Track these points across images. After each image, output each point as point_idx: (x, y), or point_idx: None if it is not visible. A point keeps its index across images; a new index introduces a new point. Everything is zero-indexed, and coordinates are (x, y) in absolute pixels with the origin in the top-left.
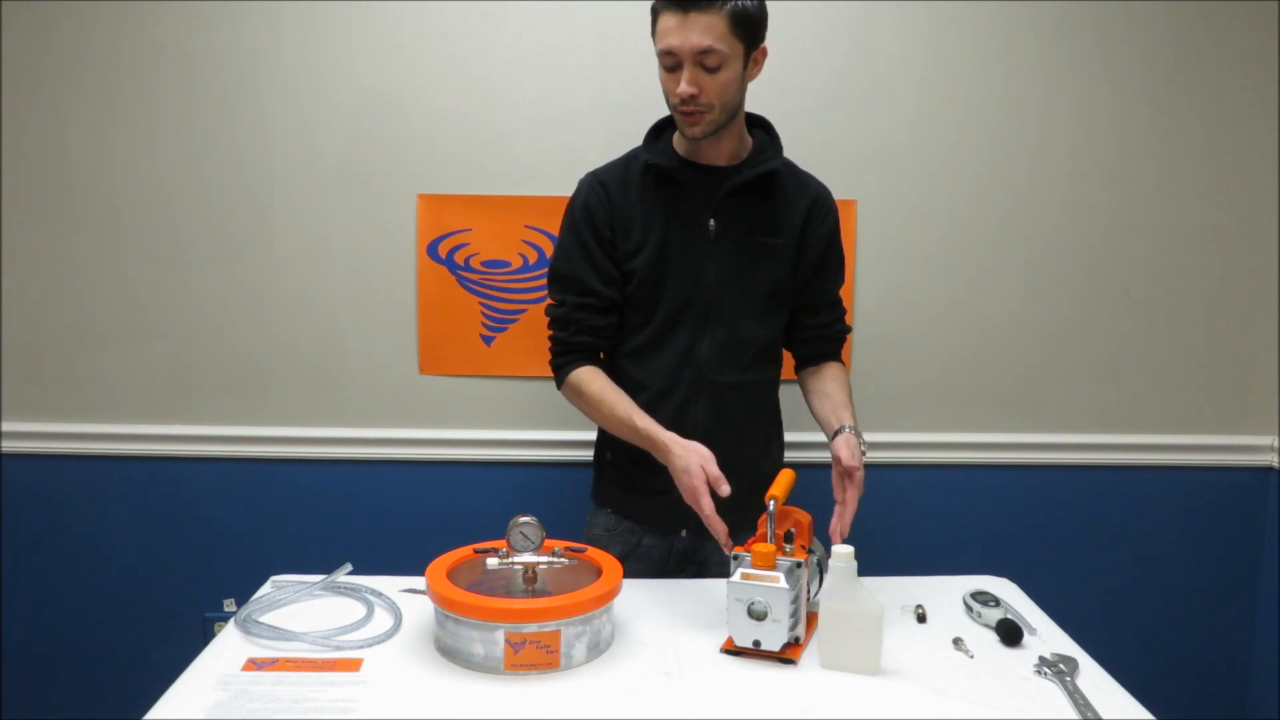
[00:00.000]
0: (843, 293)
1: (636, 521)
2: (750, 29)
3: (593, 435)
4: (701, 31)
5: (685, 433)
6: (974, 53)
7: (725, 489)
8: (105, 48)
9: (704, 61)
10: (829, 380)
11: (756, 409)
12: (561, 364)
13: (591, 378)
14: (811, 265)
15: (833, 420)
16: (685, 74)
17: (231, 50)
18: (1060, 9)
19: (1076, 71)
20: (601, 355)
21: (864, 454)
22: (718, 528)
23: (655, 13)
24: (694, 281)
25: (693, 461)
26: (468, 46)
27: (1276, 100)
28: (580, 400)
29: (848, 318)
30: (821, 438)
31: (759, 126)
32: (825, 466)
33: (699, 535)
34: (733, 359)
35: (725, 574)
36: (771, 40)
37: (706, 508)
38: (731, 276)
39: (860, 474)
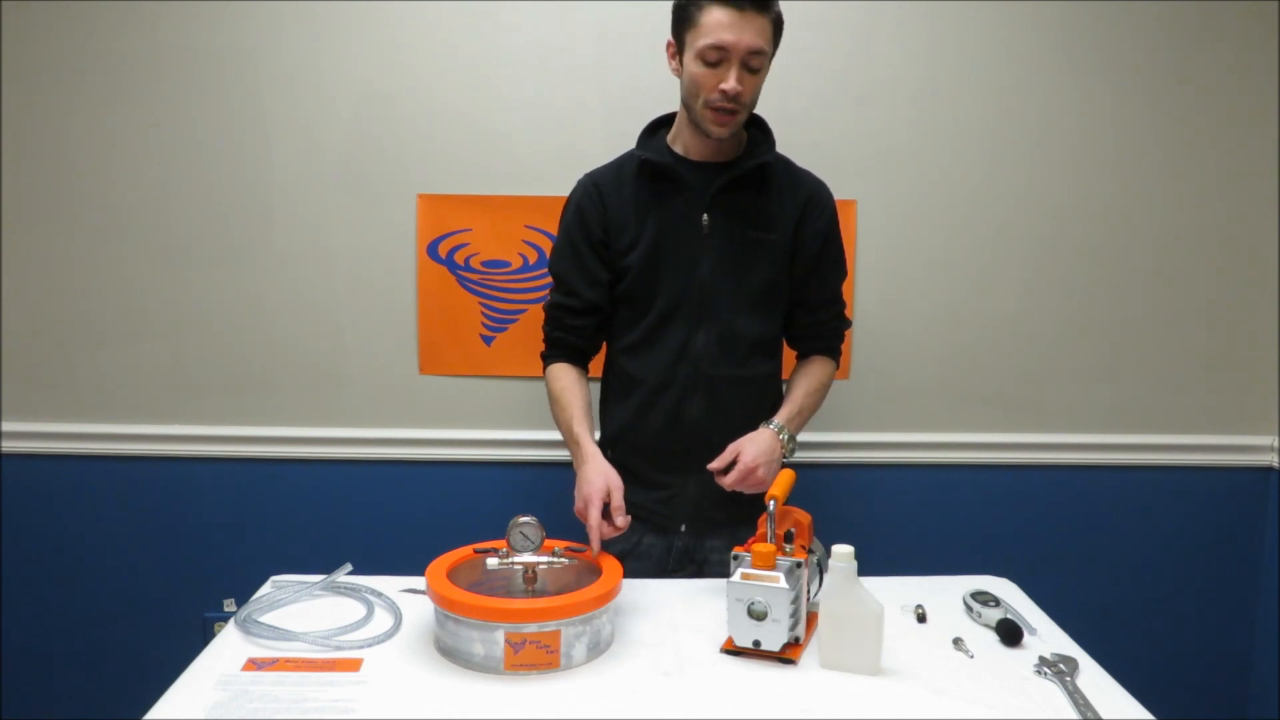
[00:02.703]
0: (843, 292)
1: (637, 520)
2: (780, 36)
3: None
4: (755, 32)
5: (683, 428)
6: (974, 53)
7: (622, 521)
8: (105, 48)
9: (750, 62)
10: (800, 374)
11: (754, 404)
12: (544, 355)
13: (559, 375)
14: (808, 262)
15: (782, 403)
16: (734, 72)
17: (231, 50)
18: (1060, 9)
19: (1076, 71)
20: (589, 354)
21: (791, 453)
22: (595, 538)
23: (695, 5)
24: (688, 277)
25: (598, 485)
26: (468, 46)
27: (1276, 100)
28: (548, 394)
29: (848, 315)
30: (822, 437)
31: (753, 124)
32: (825, 466)
33: (698, 533)
34: (728, 354)
35: (725, 573)
36: None
37: (593, 518)
38: (726, 272)
39: (745, 472)
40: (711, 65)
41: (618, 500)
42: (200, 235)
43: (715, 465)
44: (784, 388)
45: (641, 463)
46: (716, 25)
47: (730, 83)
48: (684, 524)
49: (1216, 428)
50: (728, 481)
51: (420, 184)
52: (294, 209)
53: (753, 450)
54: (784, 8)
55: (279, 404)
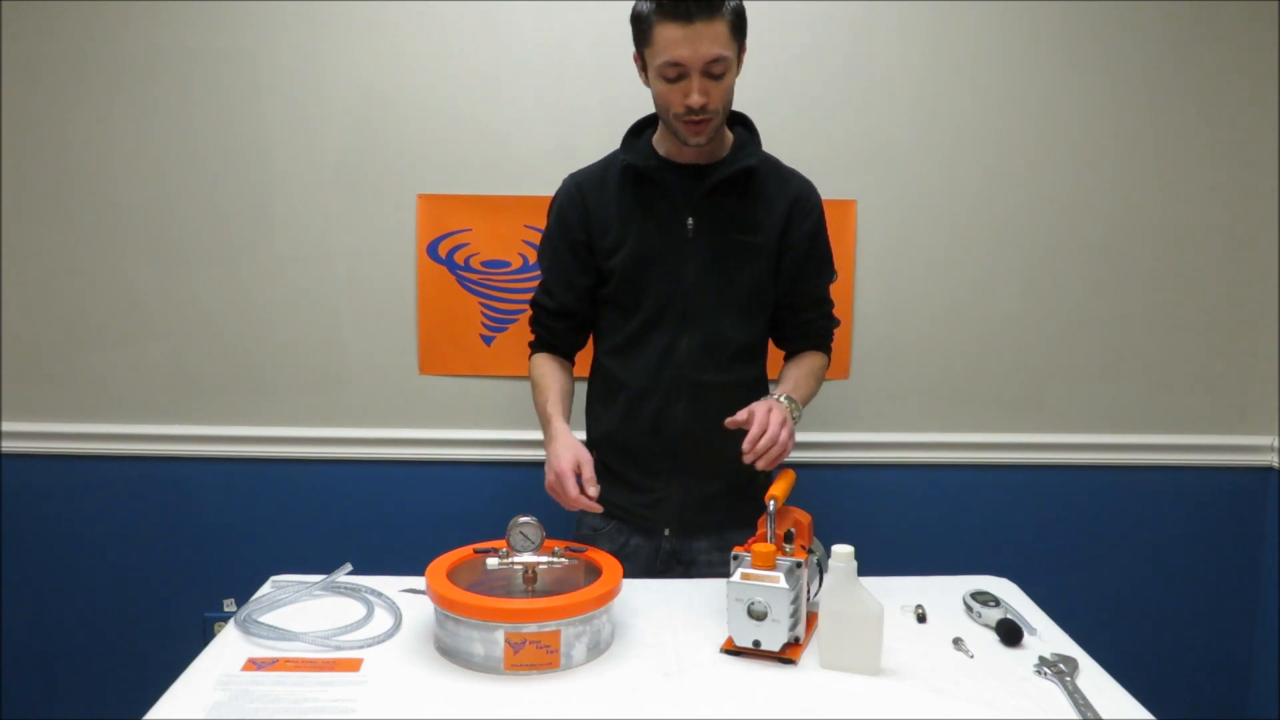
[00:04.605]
0: (843, 293)
1: (623, 521)
2: (743, 29)
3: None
4: (710, 41)
5: (666, 432)
6: (974, 53)
7: (594, 490)
8: (105, 48)
9: (712, 70)
10: (793, 362)
11: (738, 408)
12: (530, 344)
13: (538, 363)
14: (795, 264)
15: (775, 389)
16: (695, 84)
17: (231, 50)
18: (1060, 9)
19: (1076, 71)
20: (570, 352)
21: (796, 418)
22: (588, 505)
23: (647, 24)
24: (673, 281)
25: (567, 459)
26: (468, 46)
27: (1276, 100)
28: (530, 384)
29: (844, 316)
30: (822, 437)
31: (739, 123)
32: (825, 466)
33: (683, 535)
34: (712, 359)
35: (714, 574)
36: (772, 40)
37: (571, 492)
38: (710, 276)
39: (763, 426)
40: (672, 81)
41: (588, 472)
42: (200, 235)
43: (732, 421)
44: (771, 389)
45: (625, 465)
46: (669, 43)
47: (693, 96)
48: (668, 527)
49: (1216, 428)
50: (750, 438)
51: (420, 184)
52: (294, 209)
53: (763, 407)
54: (784, 8)
55: (279, 404)
